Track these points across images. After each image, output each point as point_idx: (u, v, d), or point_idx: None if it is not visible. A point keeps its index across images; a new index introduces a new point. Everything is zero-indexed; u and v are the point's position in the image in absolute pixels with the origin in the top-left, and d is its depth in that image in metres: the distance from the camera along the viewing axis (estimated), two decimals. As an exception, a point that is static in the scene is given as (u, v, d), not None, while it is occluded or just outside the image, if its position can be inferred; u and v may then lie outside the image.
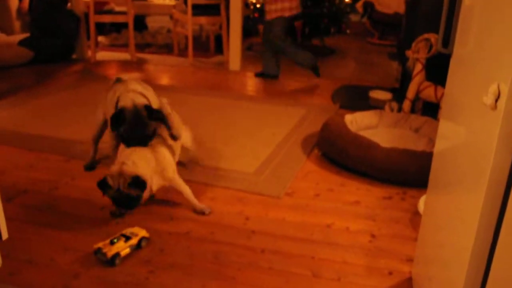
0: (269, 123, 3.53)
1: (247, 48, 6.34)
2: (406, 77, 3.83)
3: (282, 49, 4.69)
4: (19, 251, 1.92)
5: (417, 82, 3.51)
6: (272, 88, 4.62)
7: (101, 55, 5.75)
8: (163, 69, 5.28)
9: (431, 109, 3.43)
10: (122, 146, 2.27)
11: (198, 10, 5.34)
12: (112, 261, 1.85)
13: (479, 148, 1.13)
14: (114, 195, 2.04)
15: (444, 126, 1.58)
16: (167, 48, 6.27)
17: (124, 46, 6.12)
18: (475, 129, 1.19)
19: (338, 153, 2.79)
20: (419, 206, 2.29)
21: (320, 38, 6.59)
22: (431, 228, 1.60)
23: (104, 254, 1.84)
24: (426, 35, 3.43)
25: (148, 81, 4.71)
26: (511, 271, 1.03)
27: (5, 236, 1.67)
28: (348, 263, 1.93)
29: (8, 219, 1.68)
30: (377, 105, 3.82)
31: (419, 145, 2.87)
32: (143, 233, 1.99)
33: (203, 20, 5.55)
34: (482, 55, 1.21)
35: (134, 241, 1.94)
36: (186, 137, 2.59)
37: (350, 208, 2.36)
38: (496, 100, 1.02)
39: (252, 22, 6.96)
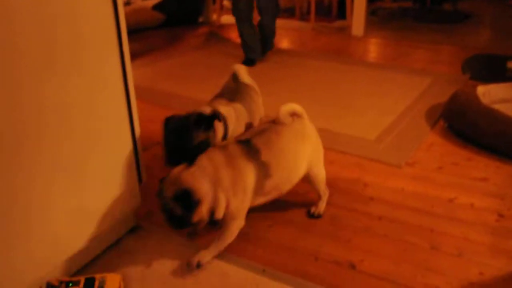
0: (392, 91, 3.41)
1: (371, 13, 6.11)
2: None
3: None
4: (153, 194, 2.12)
5: None
6: (396, 55, 4.43)
7: (225, 18, 5.94)
8: (284, 33, 5.31)
9: None
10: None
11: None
12: None
13: None
14: (161, 207, 1.66)
15: None
16: (289, 12, 6.28)
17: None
18: None
19: (467, 126, 2.62)
20: (557, 189, 2.09)
21: (453, 2, 6.11)
22: None
23: None
24: None
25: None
26: None
27: (144, 179, 1.86)
28: (471, 240, 1.85)
29: (145, 166, 1.87)
30: (515, 77, 3.49)
31: None
32: (113, 287, 1.52)
33: (327, -17, 5.44)
34: None
35: None
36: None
37: (476, 184, 2.23)
38: None
39: (378, -15, 6.68)
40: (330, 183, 2.24)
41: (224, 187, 1.63)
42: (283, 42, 4.98)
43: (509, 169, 2.35)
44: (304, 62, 4.15)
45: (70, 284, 1.51)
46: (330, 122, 2.85)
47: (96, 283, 1.52)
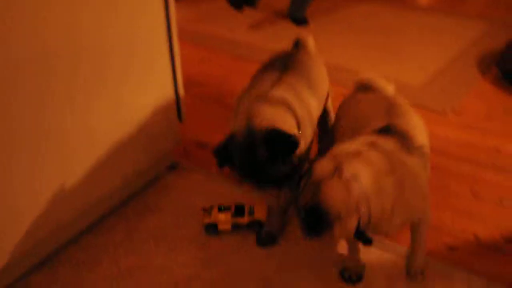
0: (444, 36, 3.24)
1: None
2: None
3: None
4: (192, 134, 2.15)
5: None
6: (451, -1, 4.16)
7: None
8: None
9: None
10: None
11: None
12: (207, 229, 1.60)
13: None
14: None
15: None
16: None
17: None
18: None
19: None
20: None
21: None
22: None
23: (203, 218, 1.62)
24: None
25: None
26: None
27: (184, 118, 1.88)
28: (515, 189, 1.78)
29: (185, 106, 1.88)
30: None
31: None
32: (260, 215, 1.60)
33: None
34: None
35: (243, 220, 1.59)
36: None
37: (526, 133, 2.12)
38: None
39: None
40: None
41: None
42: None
43: None
44: (348, 4, 3.98)
45: (222, 208, 1.60)
46: (377, 67, 2.75)
47: (246, 209, 1.61)
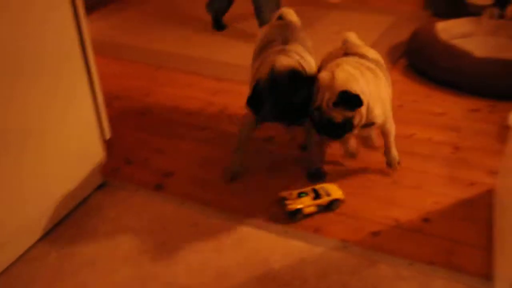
0: (353, 31, 3.40)
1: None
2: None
3: None
4: (119, 151, 2.13)
5: (524, -17, 3.16)
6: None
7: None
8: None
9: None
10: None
11: None
12: (292, 215, 1.70)
13: None
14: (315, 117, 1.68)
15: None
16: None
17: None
18: None
19: (426, 63, 2.67)
20: (510, 120, 2.18)
21: None
22: (519, 139, 1.55)
23: (286, 206, 1.71)
24: None
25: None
26: None
27: (108, 135, 1.86)
28: (429, 172, 1.93)
29: (108, 122, 1.86)
30: (476, 11, 3.51)
31: (517, 55, 2.65)
32: (338, 194, 1.74)
33: None
34: None
35: (323, 201, 1.72)
36: None
37: (434, 119, 2.30)
38: None
39: None
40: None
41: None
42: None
43: (465, 103, 2.43)
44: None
45: (302, 194, 1.73)
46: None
47: (321, 192, 1.74)
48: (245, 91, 2.57)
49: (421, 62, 2.72)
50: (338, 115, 1.61)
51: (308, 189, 1.76)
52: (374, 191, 1.84)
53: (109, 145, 1.92)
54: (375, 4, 4.06)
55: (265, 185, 1.90)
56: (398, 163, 1.92)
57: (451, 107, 2.40)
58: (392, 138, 1.88)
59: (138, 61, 3.05)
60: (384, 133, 1.87)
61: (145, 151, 2.14)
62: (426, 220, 1.69)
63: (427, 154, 2.04)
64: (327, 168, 1.96)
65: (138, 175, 1.99)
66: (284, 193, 1.76)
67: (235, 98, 2.54)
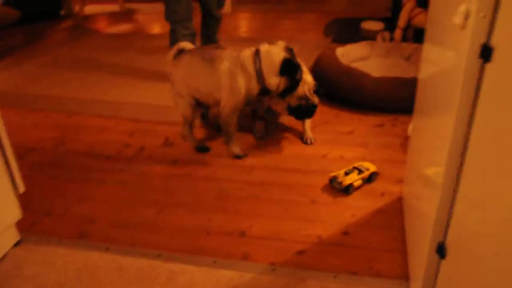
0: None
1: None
2: (397, 6, 3.81)
3: None
4: (36, 203, 2.05)
5: (408, 9, 3.51)
6: (265, 27, 4.61)
7: (89, 9, 5.68)
8: (155, 18, 5.24)
9: (423, 36, 3.44)
10: None
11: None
12: (346, 190, 2.01)
13: (452, 67, 1.20)
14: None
15: (427, 50, 1.64)
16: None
17: (112, -2, 6.03)
18: (448, 49, 1.26)
19: (331, 86, 2.85)
20: (409, 131, 2.38)
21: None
22: (416, 150, 1.71)
23: (340, 183, 2.01)
24: (413, -40, 3.39)
25: (140, 32, 4.72)
26: (478, 181, 1.12)
27: (22, 189, 1.79)
28: (343, 188, 2.06)
29: (23, 176, 1.79)
30: (369, 36, 3.83)
31: (409, 73, 2.92)
32: (373, 168, 2.09)
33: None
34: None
35: (365, 174, 2.06)
36: None
37: (344, 137, 2.46)
38: (465, 20, 1.08)
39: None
40: (212, 160, 2.33)
41: None
42: (155, 27, 4.93)
43: (369, 120, 2.62)
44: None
45: (348, 172, 2.06)
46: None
47: (362, 168, 2.08)
48: (162, 129, 2.61)
49: (327, 85, 2.90)
50: (315, 99, 2.30)
51: (350, 167, 2.08)
52: (296, 212, 1.92)
53: (26, 199, 1.85)
54: (282, 35, 4.28)
55: (188, 219, 1.91)
56: (312, 140, 2.43)
57: (358, 125, 2.58)
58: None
59: (50, 110, 2.97)
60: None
61: (65, 200, 2.08)
62: (345, 233, 1.80)
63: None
64: (248, 194, 2.02)
65: (59, 226, 1.92)
66: (333, 174, 2.06)
67: (153, 137, 2.55)
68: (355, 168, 2.08)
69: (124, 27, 4.90)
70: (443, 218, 1.21)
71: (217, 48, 2.30)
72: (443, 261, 1.22)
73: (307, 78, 2.30)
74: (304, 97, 2.26)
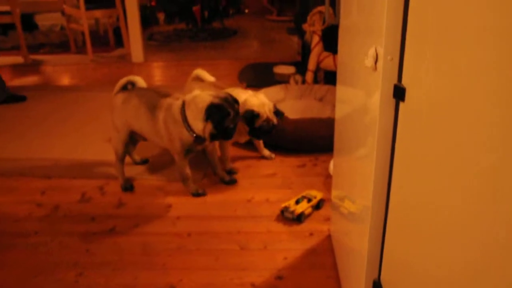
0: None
1: (148, 38, 6.22)
2: (306, 50, 4.00)
3: None
4: None
5: (316, 53, 3.69)
6: (178, 75, 4.61)
7: (-10, 61, 5.36)
8: (63, 69, 5.05)
9: (332, 78, 3.61)
10: None
11: (91, 3, 5.14)
12: (299, 219, 2.07)
13: (368, 107, 1.25)
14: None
15: (340, 92, 1.71)
16: (63, 47, 5.97)
17: (15, 49, 5.74)
18: (363, 90, 1.32)
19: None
20: (330, 169, 2.46)
21: (220, 20, 6.63)
22: (339, 187, 1.74)
23: (292, 212, 2.07)
24: (319, 8, 3.60)
25: (48, 83, 4.52)
26: (403, 215, 1.16)
27: None
28: (272, 231, 2.04)
29: None
30: (283, 80, 3.97)
31: (324, 113, 3.04)
32: (320, 195, 2.19)
33: (98, 13, 5.35)
34: (361, 23, 1.33)
35: (314, 202, 2.14)
36: None
37: (267, 180, 2.47)
38: (375, 62, 1.14)
39: (150, 11, 6.83)
40: (135, 212, 2.22)
41: None
42: (63, 79, 4.73)
43: (291, 161, 2.67)
44: (89, 96, 4.01)
45: (298, 201, 2.15)
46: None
47: (310, 196, 2.19)
48: (78, 185, 2.45)
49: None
50: (276, 120, 2.46)
51: (299, 196, 2.17)
52: (227, 261, 1.86)
53: None
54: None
55: (112, 279, 1.78)
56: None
57: (281, 166, 2.61)
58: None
59: None
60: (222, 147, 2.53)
61: None
62: (279, 277, 1.77)
63: (268, 215, 2.16)
64: (175, 246, 1.94)
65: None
66: (284, 204, 2.13)
67: (67, 194, 2.39)
68: (304, 197, 2.17)
69: (30, 79, 4.66)
70: (375, 253, 1.23)
71: (160, 95, 2.28)
72: (379, 298, 1.23)
73: (265, 100, 2.46)
74: (266, 119, 2.41)
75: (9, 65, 5.23)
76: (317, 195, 2.19)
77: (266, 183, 2.44)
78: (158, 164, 2.68)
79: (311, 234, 2.01)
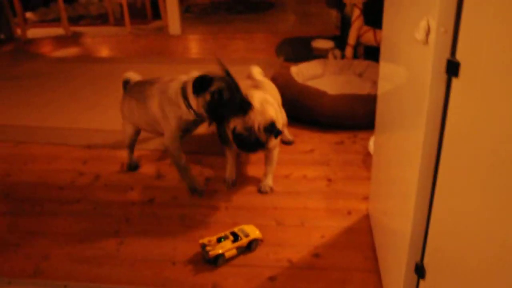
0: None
1: (185, 10, 6.20)
2: (345, 24, 3.90)
3: None
4: (-19, 242, 1.89)
5: (357, 27, 3.59)
6: (215, 48, 4.59)
7: (32, 32, 5.47)
8: (102, 40, 5.11)
9: (373, 53, 3.53)
10: None
11: (129, -25, 5.13)
12: (214, 261, 1.71)
13: (416, 83, 1.20)
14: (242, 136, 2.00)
15: (384, 68, 1.65)
16: (102, 18, 6.04)
17: (56, 21, 5.84)
18: (411, 65, 1.26)
19: (288, 105, 2.84)
20: (369, 147, 2.41)
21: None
22: (381, 166, 1.71)
23: (207, 253, 1.71)
24: (360, -20, 3.49)
25: (88, 55, 4.58)
26: (451, 197, 1.12)
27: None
28: (309, 208, 2.03)
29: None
30: (321, 54, 3.89)
31: (364, 89, 2.97)
32: (256, 234, 1.80)
33: (135, -15, 5.35)
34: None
35: (243, 242, 1.76)
36: None
37: (305, 156, 2.45)
38: (427, 35, 1.08)
39: (187, -18, 6.80)
40: (173, 185, 2.25)
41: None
42: (102, 50, 4.79)
43: (329, 137, 2.63)
44: (127, 67, 4.03)
45: (221, 239, 1.75)
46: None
47: (240, 234, 1.78)
48: (117, 155, 2.50)
49: (283, 105, 2.89)
50: (264, 137, 1.99)
51: (226, 233, 1.80)
52: (263, 237, 1.86)
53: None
54: (233, 55, 4.27)
55: (152, 249, 1.82)
56: (271, 190, 2.18)
57: (319, 143, 2.58)
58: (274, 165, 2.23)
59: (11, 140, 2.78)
60: (269, 158, 2.20)
61: (15, 236, 1.93)
62: (316, 255, 1.76)
63: (305, 191, 2.15)
64: (212, 219, 1.96)
65: (10, 264, 1.77)
66: (204, 240, 1.77)
67: (108, 164, 2.44)
68: (232, 233, 1.79)
69: (70, 51, 4.73)
70: (419, 235, 1.20)
71: (149, 84, 2.20)
72: (422, 281, 1.21)
73: (269, 111, 2.02)
74: (249, 128, 1.98)
75: (51, 37, 5.32)
76: (251, 233, 1.79)
77: (304, 160, 2.42)
78: (195, 138, 2.69)
79: (349, 213, 1.99)
